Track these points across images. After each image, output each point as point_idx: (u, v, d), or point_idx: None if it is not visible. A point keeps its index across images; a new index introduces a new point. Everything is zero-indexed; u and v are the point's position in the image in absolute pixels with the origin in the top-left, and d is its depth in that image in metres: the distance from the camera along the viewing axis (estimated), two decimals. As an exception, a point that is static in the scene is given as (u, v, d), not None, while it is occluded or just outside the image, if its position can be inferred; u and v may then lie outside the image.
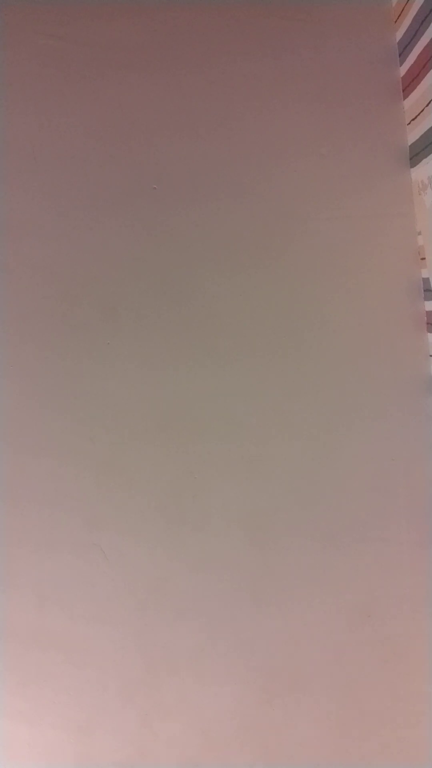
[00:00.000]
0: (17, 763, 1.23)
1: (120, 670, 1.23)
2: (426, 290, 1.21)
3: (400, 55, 1.23)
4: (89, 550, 1.24)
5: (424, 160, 1.16)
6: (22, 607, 1.24)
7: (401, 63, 1.22)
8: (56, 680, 1.23)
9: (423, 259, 1.21)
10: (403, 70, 1.22)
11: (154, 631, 1.23)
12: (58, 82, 1.27)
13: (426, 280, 1.21)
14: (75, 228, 1.26)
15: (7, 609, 1.24)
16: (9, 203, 1.27)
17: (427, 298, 1.21)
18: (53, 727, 1.23)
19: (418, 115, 1.17)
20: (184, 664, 1.23)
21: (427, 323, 1.22)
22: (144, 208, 1.26)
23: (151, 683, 1.23)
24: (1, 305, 1.26)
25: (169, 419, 1.24)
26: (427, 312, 1.22)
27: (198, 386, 1.24)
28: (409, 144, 1.23)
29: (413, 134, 1.20)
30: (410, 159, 1.23)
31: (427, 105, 1.13)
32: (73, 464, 1.24)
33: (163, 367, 1.25)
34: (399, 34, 1.22)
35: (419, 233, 1.21)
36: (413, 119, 1.20)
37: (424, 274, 1.21)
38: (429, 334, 1.22)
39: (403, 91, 1.23)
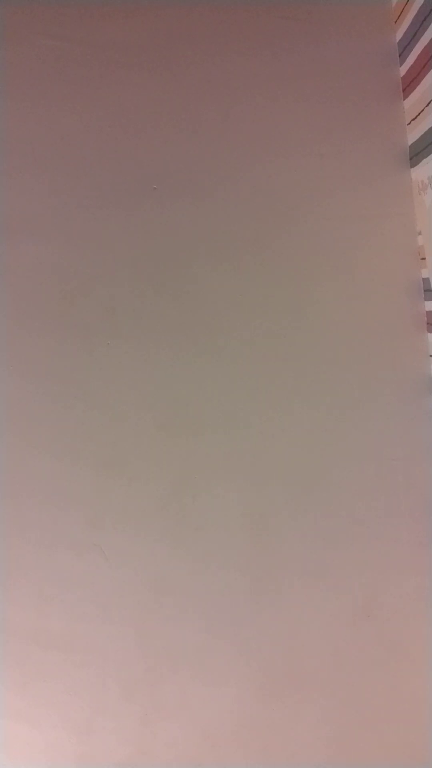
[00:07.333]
0: (17, 763, 1.23)
1: (120, 670, 1.23)
2: (426, 290, 1.21)
3: (400, 55, 1.23)
4: (89, 550, 1.24)
5: (424, 160, 1.16)
6: (23, 607, 1.24)
7: (401, 63, 1.22)
8: (56, 680, 1.23)
9: (423, 259, 1.21)
10: (403, 70, 1.22)
11: (154, 631, 1.23)
12: (58, 82, 1.27)
13: (426, 280, 1.21)
14: (75, 228, 1.26)
15: (8, 609, 1.24)
16: (9, 203, 1.27)
17: (427, 298, 1.22)
18: (53, 727, 1.23)
19: (418, 115, 1.17)
20: (185, 663, 1.23)
21: (427, 323, 1.22)
22: (144, 208, 1.26)
23: (151, 683, 1.23)
24: (1, 305, 1.26)
25: (169, 419, 1.24)
26: (427, 312, 1.22)
27: (198, 386, 1.24)
28: (409, 144, 1.23)
29: (413, 134, 1.20)
30: (410, 159, 1.23)
31: (427, 105, 1.13)
32: (73, 464, 1.24)
33: (162, 366, 1.25)
34: (399, 34, 1.22)
35: (419, 233, 1.21)
36: (413, 119, 1.20)
37: (424, 274, 1.21)
38: (429, 334, 1.22)
39: (403, 91, 1.23)
